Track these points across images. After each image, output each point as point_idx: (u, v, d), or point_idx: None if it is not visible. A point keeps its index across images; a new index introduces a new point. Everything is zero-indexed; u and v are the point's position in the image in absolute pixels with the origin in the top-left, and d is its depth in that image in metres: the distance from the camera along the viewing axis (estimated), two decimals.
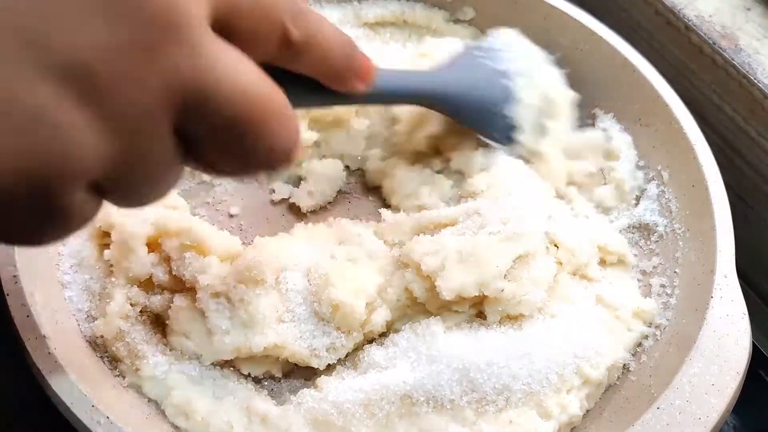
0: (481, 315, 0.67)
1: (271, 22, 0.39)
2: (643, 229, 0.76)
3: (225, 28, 0.36)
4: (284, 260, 0.66)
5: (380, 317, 0.66)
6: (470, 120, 0.72)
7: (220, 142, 0.36)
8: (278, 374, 0.66)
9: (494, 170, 0.73)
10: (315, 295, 0.64)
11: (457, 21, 0.91)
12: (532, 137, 0.74)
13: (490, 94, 0.71)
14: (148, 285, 0.67)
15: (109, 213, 0.68)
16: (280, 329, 0.63)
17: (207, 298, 0.63)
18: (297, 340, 0.63)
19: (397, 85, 0.65)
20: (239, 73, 0.35)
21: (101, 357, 0.64)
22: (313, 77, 0.48)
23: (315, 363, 0.64)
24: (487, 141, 0.73)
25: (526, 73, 0.74)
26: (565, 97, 0.77)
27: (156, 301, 0.66)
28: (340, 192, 0.81)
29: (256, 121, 0.36)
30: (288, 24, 0.41)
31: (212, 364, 0.64)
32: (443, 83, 0.69)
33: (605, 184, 0.81)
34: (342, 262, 0.67)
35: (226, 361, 0.65)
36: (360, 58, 0.51)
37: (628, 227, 0.77)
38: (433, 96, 0.69)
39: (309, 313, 0.64)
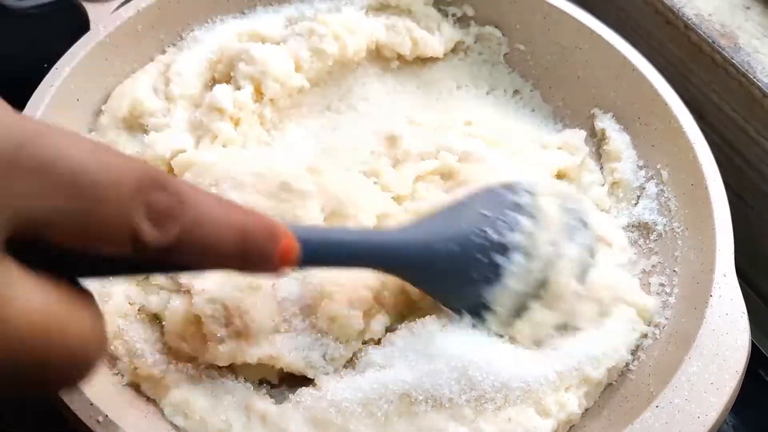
0: None
1: (107, 225, 0.32)
2: (642, 228, 0.76)
3: (33, 243, 0.31)
4: None
5: (379, 324, 0.65)
6: (433, 290, 0.61)
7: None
8: (274, 381, 0.65)
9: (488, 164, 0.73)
10: (311, 308, 0.64)
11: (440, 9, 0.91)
12: (506, 318, 0.62)
13: (467, 274, 0.58)
14: (146, 284, 0.67)
15: None
16: (276, 340, 0.63)
17: (203, 304, 0.63)
18: (292, 352, 0.63)
19: (334, 256, 0.52)
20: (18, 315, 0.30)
21: None
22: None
23: (311, 374, 0.64)
24: (448, 310, 0.62)
25: (532, 247, 0.59)
26: (567, 288, 0.62)
27: (153, 301, 0.66)
28: None
29: (35, 365, 0.31)
30: (139, 223, 0.32)
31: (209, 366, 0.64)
32: (400, 249, 0.56)
33: (604, 184, 0.81)
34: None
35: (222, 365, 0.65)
36: (270, 242, 0.40)
37: (628, 226, 0.77)
38: (386, 263, 0.57)
39: (306, 325, 0.64)
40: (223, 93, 0.78)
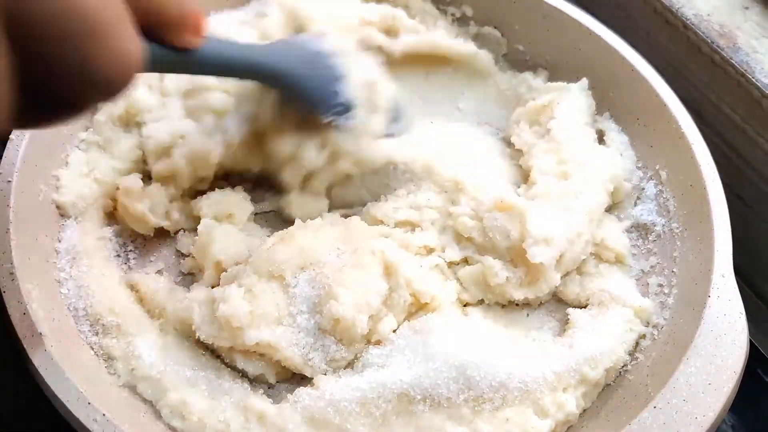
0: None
1: None
2: (641, 229, 0.76)
3: None
4: (305, 259, 0.66)
5: (386, 326, 0.65)
6: (308, 98, 0.69)
7: (46, 52, 0.35)
8: (272, 380, 0.65)
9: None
10: (317, 307, 0.64)
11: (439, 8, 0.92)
12: (366, 114, 0.71)
13: (321, 71, 0.69)
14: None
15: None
16: (277, 331, 0.63)
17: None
18: (291, 347, 0.63)
19: (231, 55, 0.62)
20: None
21: (97, 355, 0.64)
22: (143, 24, 0.44)
23: (308, 372, 0.64)
24: (328, 119, 0.70)
25: (347, 54, 0.71)
26: (382, 83, 0.73)
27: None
28: None
29: (81, 34, 0.35)
30: None
31: (207, 357, 0.65)
32: (277, 57, 0.67)
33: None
34: (348, 268, 0.66)
35: (219, 357, 0.65)
36: (192, 8, 0.49)
37: (627, 227, 0.77)
38: (269, 69, 0.66)
39: (311, 325, 0.64)
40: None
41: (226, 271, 0.68)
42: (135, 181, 0.73)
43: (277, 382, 0.66)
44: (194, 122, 0.76)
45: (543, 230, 0.67)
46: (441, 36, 0.86)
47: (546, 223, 0.68)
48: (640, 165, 0.80)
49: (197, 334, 0.63)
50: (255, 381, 0.66)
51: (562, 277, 0.70)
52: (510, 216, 0.69)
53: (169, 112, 0.78)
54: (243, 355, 0.64)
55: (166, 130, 0.75)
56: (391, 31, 0.87)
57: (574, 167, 0.74)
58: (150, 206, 0.73)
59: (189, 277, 0.73)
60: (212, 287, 0.67)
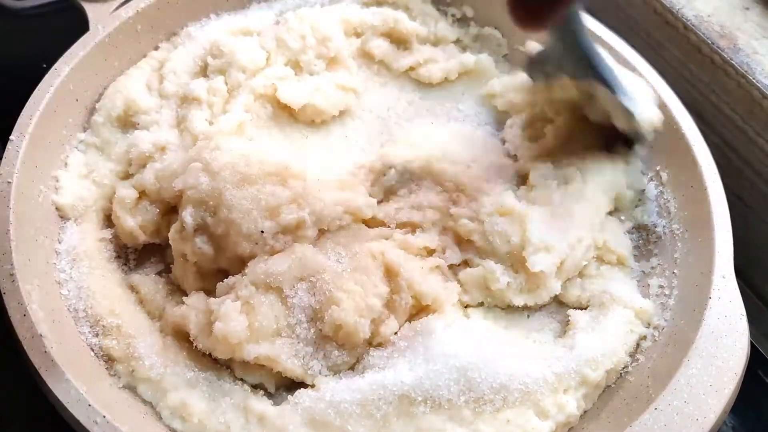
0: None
1: None
2: (642, 230, 0.76)
3: None
4: (303, 270, 0.66)
5: (388, 329, 0.65)
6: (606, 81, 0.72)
7: None
8: (271, 389, 0.65)
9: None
10: (318, 314, 0.64)
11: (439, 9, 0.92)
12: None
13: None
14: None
15: None
16: (276, 344, 0.63)
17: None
18: (291, 358, 0.63)
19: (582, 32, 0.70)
20: None
21: (97, 356, 0.64)
22: None
23: (309, 380, 0.64)
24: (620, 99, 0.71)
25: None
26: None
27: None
28: None
29: None
30: None
31: (207, 358, 0.65)
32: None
33: None
34: (349, 272, 0.66)
35: (221, 365, 0.65)
36: None
37: (628, 228, 0.77)
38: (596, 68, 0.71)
39: (310, 334, 0.64)
40: (198, 85, 0.79)
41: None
42: (129, 192, 0.72)
43: (278, 387, 0.66)
44: (179, 133, 0.76)
45: (543, 237, 0.67)
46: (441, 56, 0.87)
47: (546, 229, 0.68)
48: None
49: (195, 344, 0.63)
50: (255, 386, 0.66)
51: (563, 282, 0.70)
52: (511, 220, 0.69)
53: (163, 116, 0.78)
54: (242, 366, 0.64)
55: (149, 139, 0.75)
56: (392, 35, 0.87)
57: (575, 170, 0.74)
58: (141, 222, 0.72)
59: None
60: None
